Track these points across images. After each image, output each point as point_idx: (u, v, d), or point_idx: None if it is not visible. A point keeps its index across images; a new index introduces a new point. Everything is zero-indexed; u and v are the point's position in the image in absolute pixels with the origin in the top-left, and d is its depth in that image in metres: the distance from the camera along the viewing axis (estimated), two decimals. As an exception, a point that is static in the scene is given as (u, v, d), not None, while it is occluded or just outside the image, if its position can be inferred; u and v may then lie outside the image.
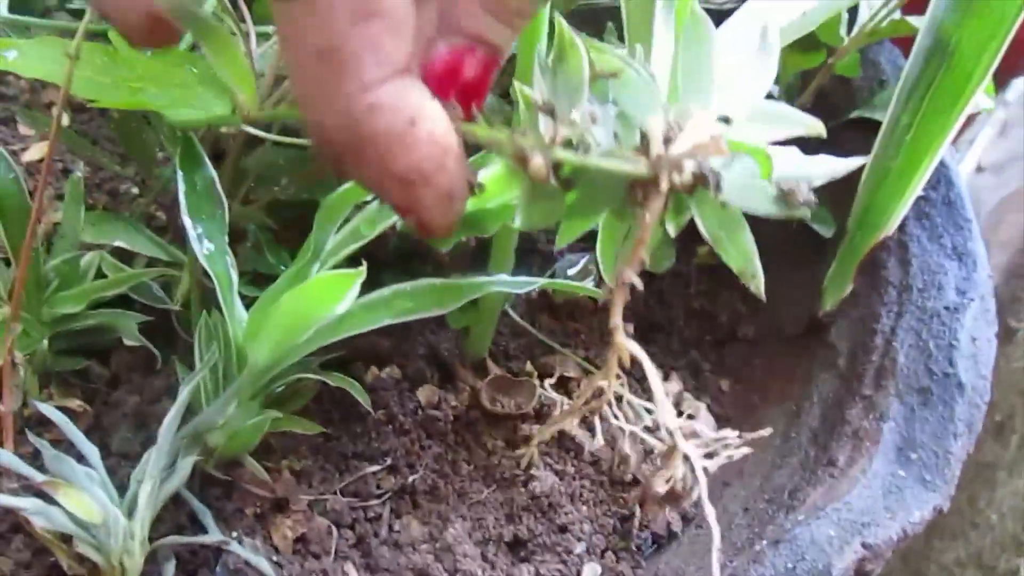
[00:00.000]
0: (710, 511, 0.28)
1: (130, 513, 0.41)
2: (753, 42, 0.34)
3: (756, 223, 0.63)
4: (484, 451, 0.51)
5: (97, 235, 0.46)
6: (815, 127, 0.34)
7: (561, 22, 0.31)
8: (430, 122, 0.26)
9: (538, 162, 0.28)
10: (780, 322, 0.58)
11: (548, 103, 0.30)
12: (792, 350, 0.55)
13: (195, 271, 0.46)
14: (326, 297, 0.36)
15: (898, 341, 0.45)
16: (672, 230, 0.40)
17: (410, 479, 0.49)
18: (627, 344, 0.31)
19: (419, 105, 0.26)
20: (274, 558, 0.44)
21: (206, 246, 0.41)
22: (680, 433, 0.30)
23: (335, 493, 0.47)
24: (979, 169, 1.23)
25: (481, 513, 0.49)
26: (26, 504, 0.39)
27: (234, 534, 0.44)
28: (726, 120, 0.31)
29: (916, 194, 0.46)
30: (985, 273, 0.46)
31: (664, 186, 0.29)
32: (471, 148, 0.30)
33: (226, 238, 0.43)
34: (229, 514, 0.46)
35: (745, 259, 0.47)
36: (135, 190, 0.61)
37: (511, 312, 0.58)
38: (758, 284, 0.47)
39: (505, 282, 0.45)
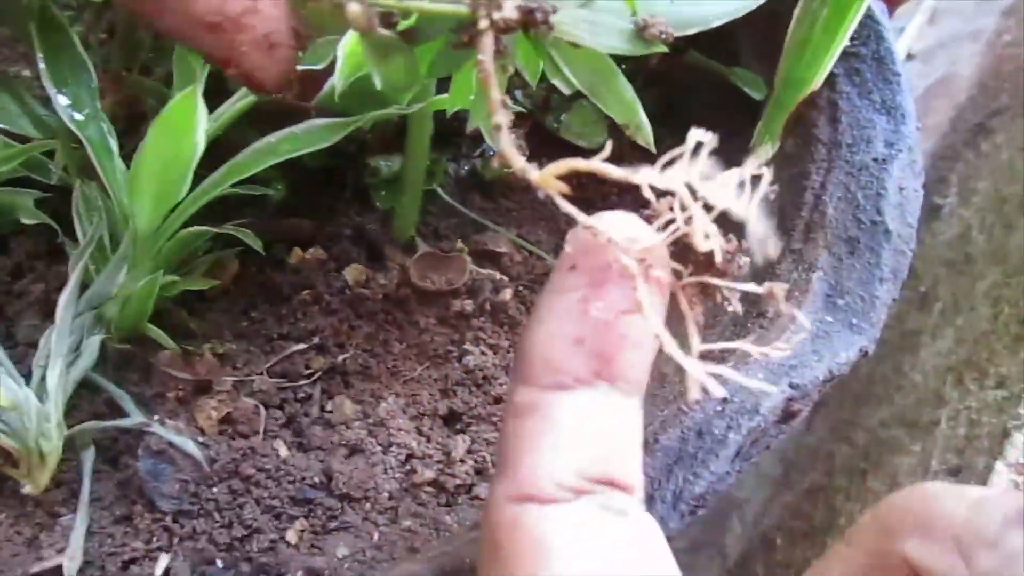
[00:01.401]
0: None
1: (40, 398, 0.39)
2: None
3: (687, 90, 0.61)
4: (416, 328, 0.50)
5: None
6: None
7: None
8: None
9: (354, 9, 0.26)
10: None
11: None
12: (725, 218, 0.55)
13: (71, 140, 0.43)
14: (185, 117, 0.33)
15: (827, 195, 0.44)
16: (529, 76, 0.38)
17: (340, 359, 0.48)
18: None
19: None
20: (199, 439, 0.42)
21: (74, 113, 0.38)
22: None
23: (261, 374, 0.46)
24: (909, 56, 1.24)
25: (415, 389, 0.48)
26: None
27: (155, 417, 0.43)
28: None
29: (843, 45, 0.45)
30: (913, 125, 0.46)
31: (483, 24, 0.26)
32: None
33: (98, 104, 0.40)
34: (149, 399, 0.44)
35: (626, 108, 0.44)
36: (27, 72, 0.56)
37: (440, 192, 0.57)
38: (645, 135, 0.45)
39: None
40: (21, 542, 0.41)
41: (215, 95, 0.44)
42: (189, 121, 0.34)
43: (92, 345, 0.39)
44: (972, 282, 0.67)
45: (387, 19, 0.28)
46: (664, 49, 0.34)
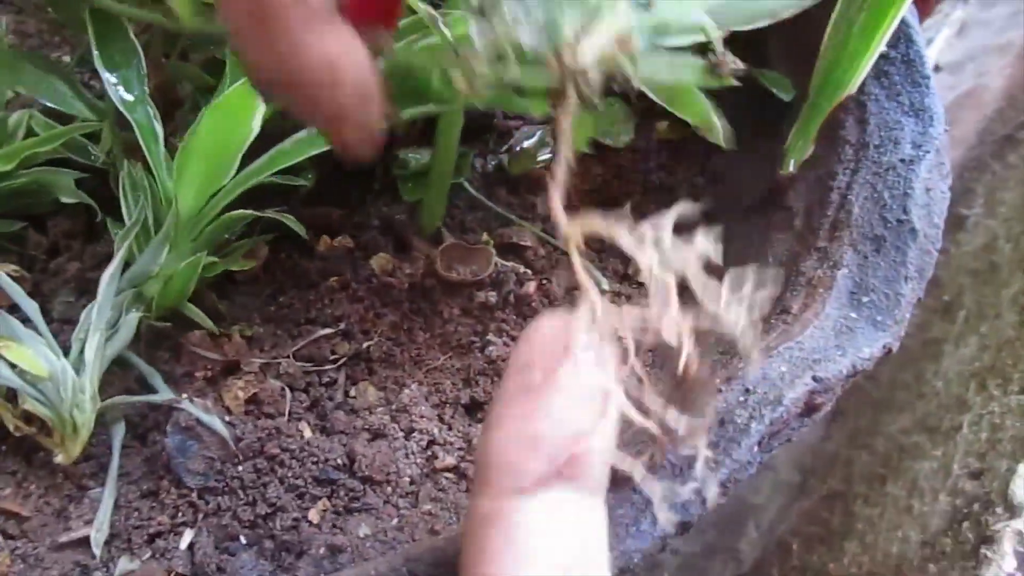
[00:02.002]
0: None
1: (77, 370, 0.40)
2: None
3: (717, 93, 0.62)
4: (440, 318, 0.51)
5: (20, 84, 0.43)
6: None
7: None
8: (351, 68, 0.27)
9: (459, 79, 0.28)
10: (739, 193, 0.58)
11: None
12: (750, 219, 0.55)
13: (116, 123, 0.44)
14: (243, 102, 0.34)
15: (853, 195, 0.44)
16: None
17: (364, 345, 0.48)
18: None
19: (340, 52, 0.27)
20: (226, 418, 0.43)
21: (123, 94, 0.39)
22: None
23: (288, 357, 0.47)
24: (937, 68, 1.23)
25: (437, 378, 0.48)
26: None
27: (184, 395, 0.43)
28: (646, 4, 0.31)
29: (880, 50, 0.45)
30: (941, 127, 0.46)
31: (571, 98, 0.28)
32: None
33: (146, 88, 0.41)
34: (178, 377, 0.45)
35: (700, 113, 0.46)
36: (67, 58, 0.57)
37: (467, 185, 0.57)
38: (716, 135, 0.46)
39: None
40: (50, 512, 0.42)
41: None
42: (246, 106, 0.35)
43: (130, 322, 0.40)
44: (997, 290, 0.66)
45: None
46: (734, 82, 0.37)
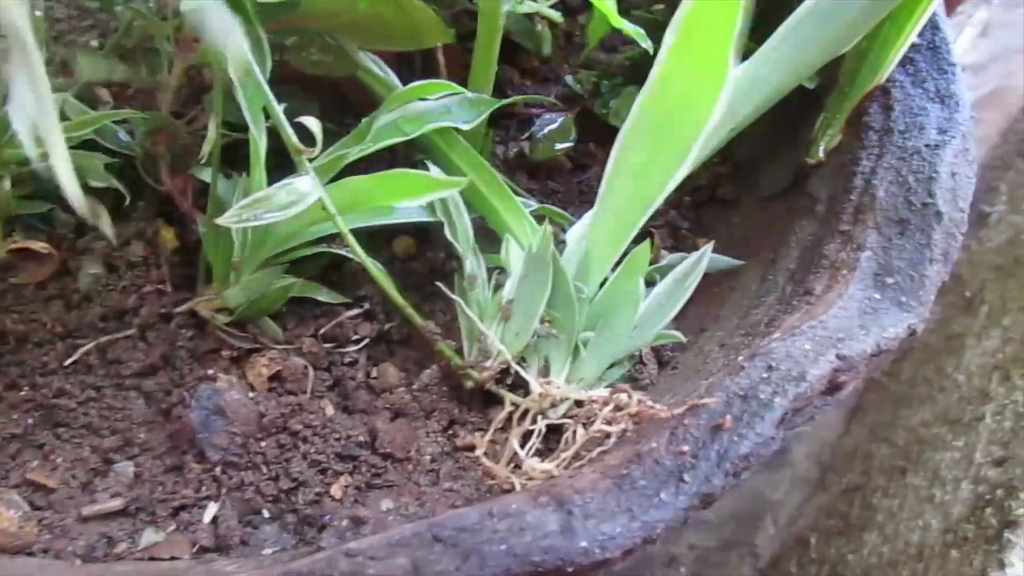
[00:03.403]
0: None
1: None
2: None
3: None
4: (461, 301, 0.51)
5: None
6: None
7: None
8: None
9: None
10: (760, 182, 0.58)
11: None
12: (771, 206, 0.55)
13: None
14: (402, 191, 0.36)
15: (878, 179, 0.44)
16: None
17: (386, 326, 0.49)
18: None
19: None
20: (249, 395, 0.44)
21: None
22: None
23: (312, 336, 0.47)
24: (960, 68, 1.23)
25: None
26: None
27: (209, 371, 0.44)
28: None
29: (911, 40, 0.45)
30: (967, 114, 0.46)
31: None
32: None
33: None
34: (202, 354, 0.46)
35: None
36: (95, 43, 0.58)
37: (489, 171, 0.57)
38: None
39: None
40: (76, 485, 0.42)
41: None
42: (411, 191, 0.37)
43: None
44: (1020, 284, 0.66)
45: None
46: None
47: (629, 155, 0.39)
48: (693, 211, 0.60)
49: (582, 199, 0.58)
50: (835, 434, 0.82)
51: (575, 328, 0.42)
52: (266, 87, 0.39)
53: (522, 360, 0.43)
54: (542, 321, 0.42)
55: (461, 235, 0.45)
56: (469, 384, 0.43)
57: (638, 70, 0.65)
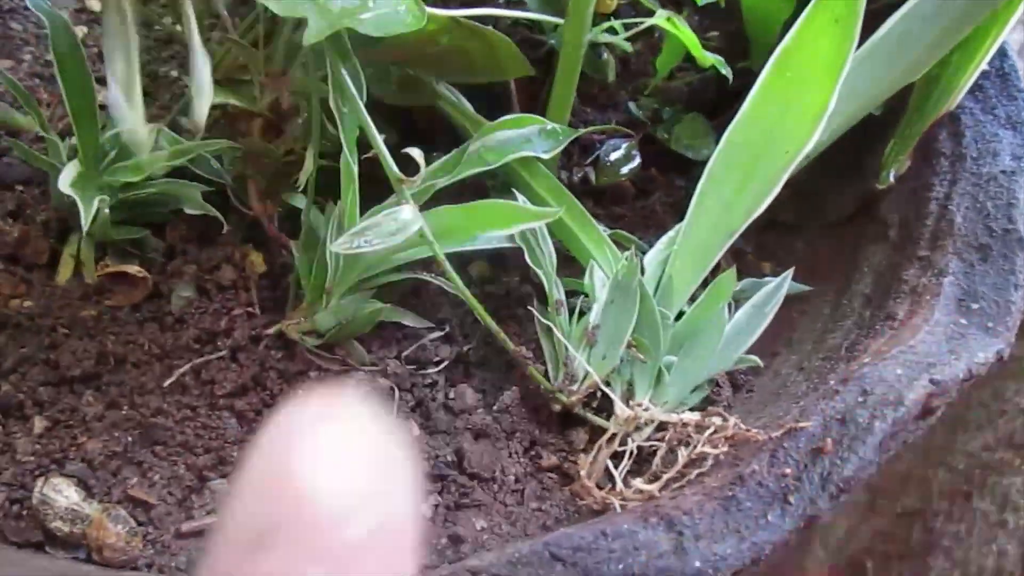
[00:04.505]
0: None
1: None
2: None
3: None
4: (534, 324, 0.52)
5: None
6: None
7: None
8: None
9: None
10: (823, 206, 0.58)
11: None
12: (836, 232, 0.56)
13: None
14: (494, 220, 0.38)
15: (954, 205, 0.45)
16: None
17: (464, 348, 0.50)
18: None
19: None
20: (339, 415, 0.45)
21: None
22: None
23: (396, 358, 0.48)
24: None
25: (532, 383, 0.49)
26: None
27: (299, 392, 0.45)
28: None
29: (982, 67, 0.46)
30: (1040, 141, 0.47)
31: None
32: None
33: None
34: (291, 376, 0.47)
35: None
36: (174, 73, 0.60)
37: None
38: None
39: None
40: (173, 502, 0.43)
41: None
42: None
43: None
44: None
45: None
46: None
47: (717, 185, 0.40)
48: (755, 235, 0.61)
49: (646, 224, 0.59)
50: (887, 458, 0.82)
51: (660, 352, 0.43)
52: (366, 116, 0.40)
53: (606, 384, 0.44)
54: (628, 346, 0.43)
55: (545, 262, 0.47)
56: (556, 407, 0.44)
57: (697, 96, 0.66)
